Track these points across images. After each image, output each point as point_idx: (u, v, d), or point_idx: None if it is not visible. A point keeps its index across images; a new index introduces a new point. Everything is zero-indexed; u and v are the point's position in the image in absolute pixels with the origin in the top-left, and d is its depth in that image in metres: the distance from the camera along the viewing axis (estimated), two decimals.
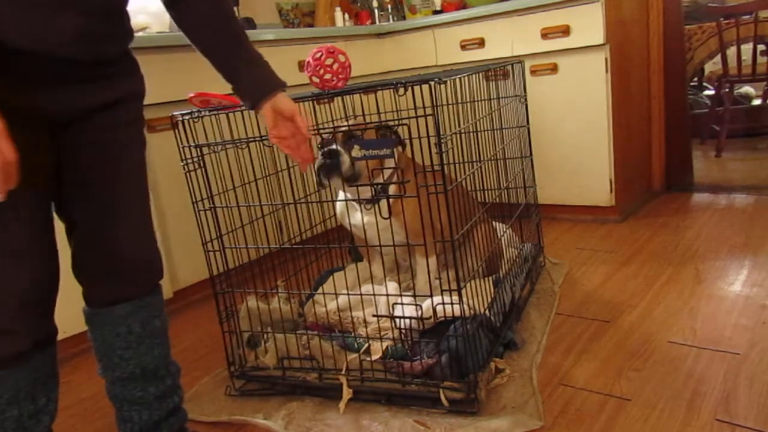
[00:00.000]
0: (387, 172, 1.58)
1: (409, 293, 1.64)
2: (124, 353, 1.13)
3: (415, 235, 1.61)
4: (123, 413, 1.19)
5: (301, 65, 2.58)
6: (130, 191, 1.11)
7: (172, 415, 1.22)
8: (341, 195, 1.70)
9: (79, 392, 1.67)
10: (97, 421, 1.52)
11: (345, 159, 1.49)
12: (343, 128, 1.52)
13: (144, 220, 1.14)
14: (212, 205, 1.48)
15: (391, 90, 1.27)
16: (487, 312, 1.49)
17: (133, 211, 1.12)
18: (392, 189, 1.59)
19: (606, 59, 2.42)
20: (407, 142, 1.38)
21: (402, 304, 1.52)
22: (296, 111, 1.26)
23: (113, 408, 1.20)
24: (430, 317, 1.45)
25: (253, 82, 1.21)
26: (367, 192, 1.57)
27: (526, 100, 2.06)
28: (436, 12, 3.15)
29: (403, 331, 1.50)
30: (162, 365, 1.19)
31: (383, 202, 1.57)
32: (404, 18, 3.35)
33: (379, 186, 1.58)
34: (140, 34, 2.25)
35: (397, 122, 1.33)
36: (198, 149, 1.44)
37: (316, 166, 1.51)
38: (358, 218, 1.64)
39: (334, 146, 1.51)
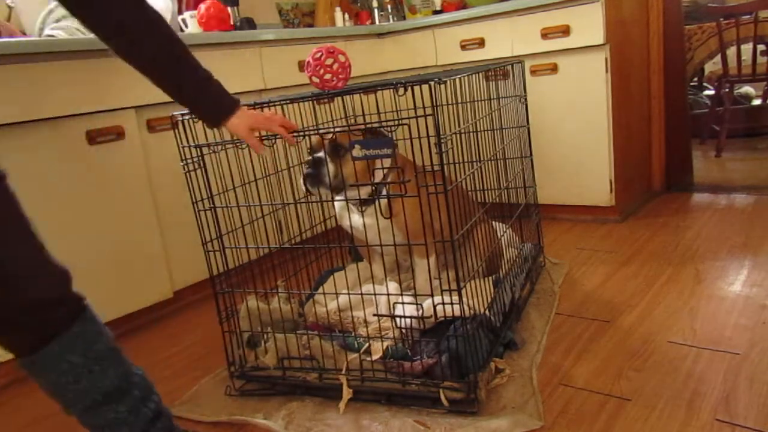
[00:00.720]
0: (380, 175, 1.57)
1: (410, 293, 1.64)
2: (78, 386, 1.07)
3: (414, 235, 1.61)
4: None
5: (301, 65, 2.58)
6: (18, 231, 1.00)
7: (156, 419, 1.17)
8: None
9: None
10: None
11: (329, 169, 1.49)
12: (329, 132, 1.51)
13: (42, 258, 1.03)
14: (212, 205, 1.48)
15: (391, 90, 1.27)
16: (487, 312, 1.49)
17: (27, 253, 1.01)
18: (386, 191, 1.59)
19: (606, 59, 2.42)
20: (406, 142, 1.37)
21: (403, 303, 1.52)
22: (259, 120, 1.34)
23: None
24: (431, 317, 1.45)
25: (208, 107, 1.28)
26: (362, 193, 1.57)
27: (526, 100, 2.06)
28: (436, 12, 3.15)
29: (404, 330, 1.50)
30: (122, 381, 1.12)
31: (383, 202, 1.57)
32: (404, 18, 3.35)
33: (375, 187, 1.57)
34: None
35: (396, 122, 1.33)
36: (198, 149, 1.44)
37: (302, 176, 1.52)
38: (356, 219, 1.64)
39: (319, 154, 1.50)
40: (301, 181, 1.52)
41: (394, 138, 1.54)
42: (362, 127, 1.56)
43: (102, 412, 1.11)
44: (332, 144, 1.50)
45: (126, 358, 1.16)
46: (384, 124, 1.31)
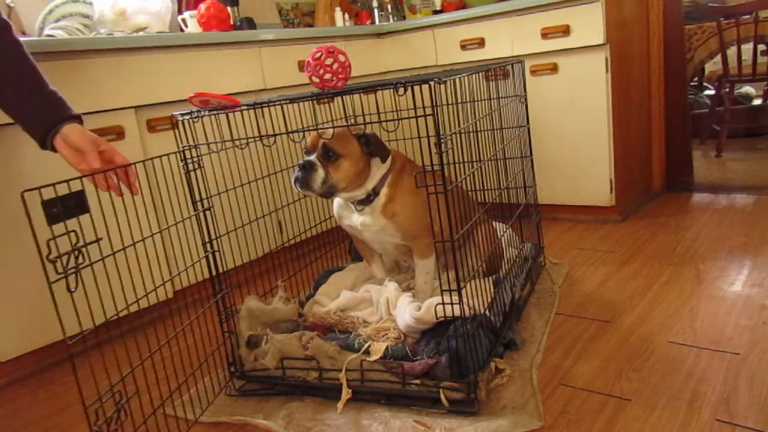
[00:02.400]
0: (377, 178, 1.57)
1: (409, 293, 1.64)
2: None
3: (411, 236, 1.61)
4: None
5: (301, 65, 2.58)
6: None
7: None
8: (337, 200, 1.70)
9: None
10: (98, 420, 1.51)
11: (319, 174, 1.49)
12: (328, 129, 1.51)
13: None
14: (212, 205, 1.48)
15: (391, 90, 1.27)
16: (487, 312, 1.49)
17: None
18: (384, 192, 1.59)
19: (606, 59, 2.42)
20: (405, 141, 1.37)
21: (402, 304, 1.52)
22: (91, 144, 1.13)
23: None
24: (431, 318, 1.45)
25: (35, 115, 1.11)
26: (359, 193, 1.57)
27: (526, 100, 2.06)
28: (436, 12, 3.15)
29: (403, 331, 1.50)
30: None
31: (379, 203, 1.57)
32: (404, 18, 3.35)
33: (372, 186, 1.57)
34: (140, 34, 2.25)
35: (397, 121, 1.33)
36: (197, 149, 1.44)
37: (292, 177, 1.52)
38: (354, 219, 1.64)
39: (311, 158, 1.51)
40: (292, 182, 1.52)
41: (395, 138, 1.53)
42: (346, 126, 1.56)
43: None
44: (324, 148, 1.50)
45: None
46: (363, 131, 1.29)
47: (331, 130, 1.52)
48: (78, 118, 1.15)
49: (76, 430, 1.50)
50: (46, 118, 1.11)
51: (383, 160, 1.56)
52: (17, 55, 1.11)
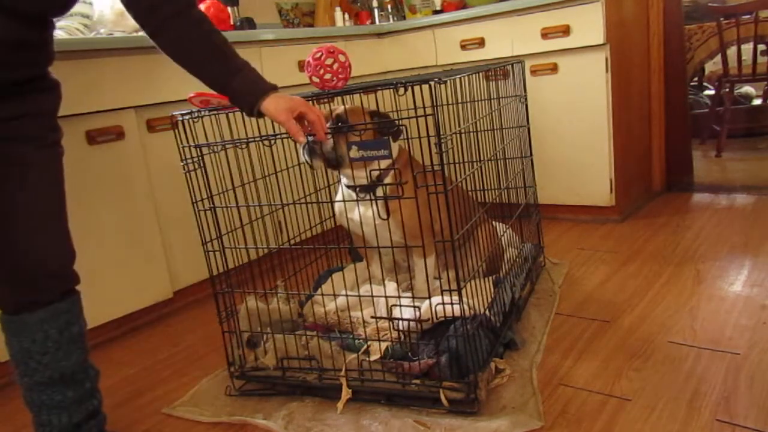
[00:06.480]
0: (383, 165, 1.57)
1: (409, 294, 1.64)
2: (42, 359, 1.12)
3: (411, 235, 1.61)
4: (41, 418, 1.17)
5: (301, 65, 2.58)
6: (35, 200, 1.10)
7: (91, 418, 1.22)
8: (340, 193, 1.70)
9: None
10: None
11: (329, 141, 1.48)
12: (339, 111, 1.51)
13: (51, 229, 1.13)
14: (212, 205, 1.48)
15: (391, 90, 1.27)
16: (487, 312, 1.49)
17: (38, 220, 1.10)
18: (389, 187, 1.58)
19: (606, 59, 2.42)
20: (402, 131, 1.38)
21: (400, 306, 1.52)
22: (297, 102, 1.27)
23: (31, 414, 1.19)
24: (428, 319, 1.45)
25: (241, 91, 1.26)
26: (362, 179, 1.56)
27: (526, 100, 2.06)
28: (436, 12, 3.15)
29: (402, 332, 1.50)
30: (80, 369, 1.18)
31: (381, 202, 1.57)
32: (404, 18, 3.35)
33: (376, 174, 1.57)
34: (140, 34, 2.25)
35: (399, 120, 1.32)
36: (198, 149, 1.44)
37: (301, 147, 1.51)
38: (356, 214, 1.63)
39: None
40: (300, 150, 1.51)
41: (399, 125, 1.53)
42: (370, 113, 1.55)
43: (51, 391, 1.15)
44: (338, 118, 1.50)
45: (87, 352, 1.21)
46: (380, 113, 1.29)
47: (343, 107, 1.52)
48: (271, 89, 1.27)
49: None
50: (243, 105, 1.28)
51: (395, 139, 1.56)
52: (199, 41, 1.28)
